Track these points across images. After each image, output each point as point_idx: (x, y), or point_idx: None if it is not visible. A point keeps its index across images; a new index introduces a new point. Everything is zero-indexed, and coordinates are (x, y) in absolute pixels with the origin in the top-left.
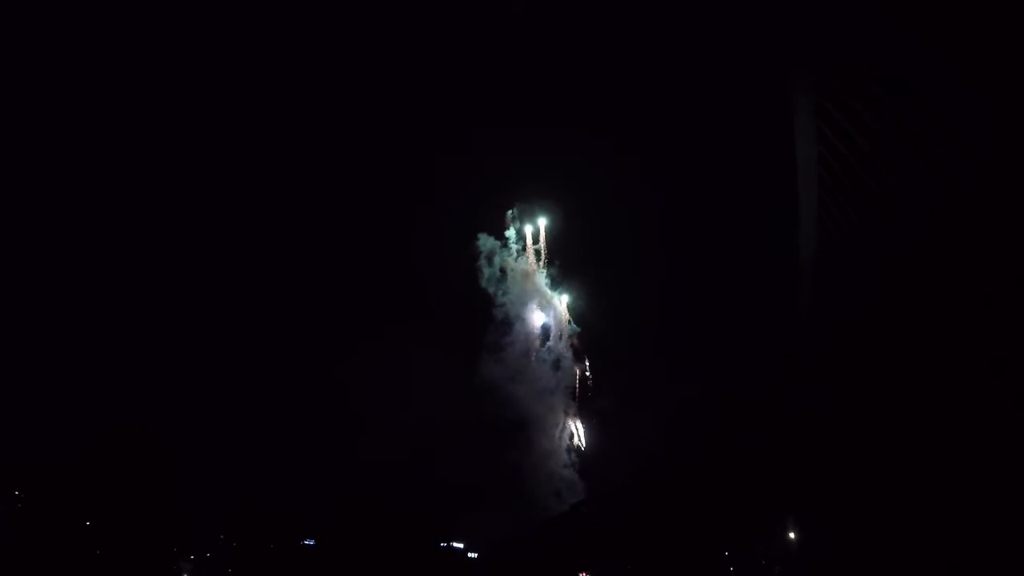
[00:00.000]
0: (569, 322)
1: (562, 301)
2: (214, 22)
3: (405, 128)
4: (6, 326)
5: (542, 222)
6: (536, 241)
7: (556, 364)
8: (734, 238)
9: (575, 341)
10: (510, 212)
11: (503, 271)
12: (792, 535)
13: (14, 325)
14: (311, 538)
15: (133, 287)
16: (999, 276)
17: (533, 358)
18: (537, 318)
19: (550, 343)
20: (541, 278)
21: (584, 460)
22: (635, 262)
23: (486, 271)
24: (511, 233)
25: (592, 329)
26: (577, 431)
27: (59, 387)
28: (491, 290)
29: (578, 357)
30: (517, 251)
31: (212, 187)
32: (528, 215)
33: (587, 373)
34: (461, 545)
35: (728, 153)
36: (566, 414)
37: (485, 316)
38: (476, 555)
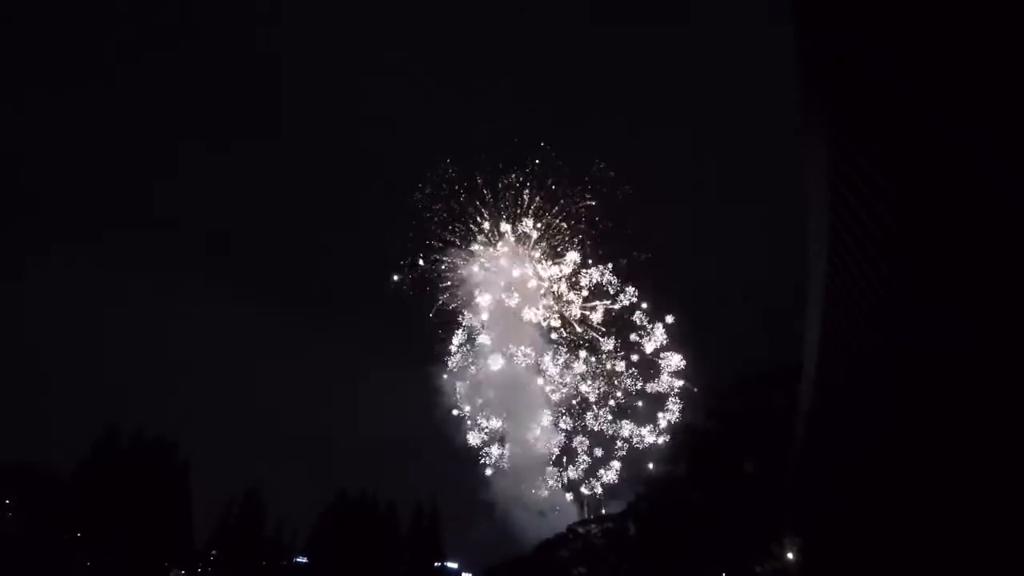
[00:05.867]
0: None
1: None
2: None
3: None
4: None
5: None
6: None
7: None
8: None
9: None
10: None
11: None
12: (791, 556)
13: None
14: (304, 555)
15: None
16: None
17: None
18: None
19: None
20: None
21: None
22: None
23: None
24: None
25: None
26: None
27: (56, 395)
28: None
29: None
30: None
31: None
32: None
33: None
34: (455, 565)
35: None
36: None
37: None
38: (470, 575)
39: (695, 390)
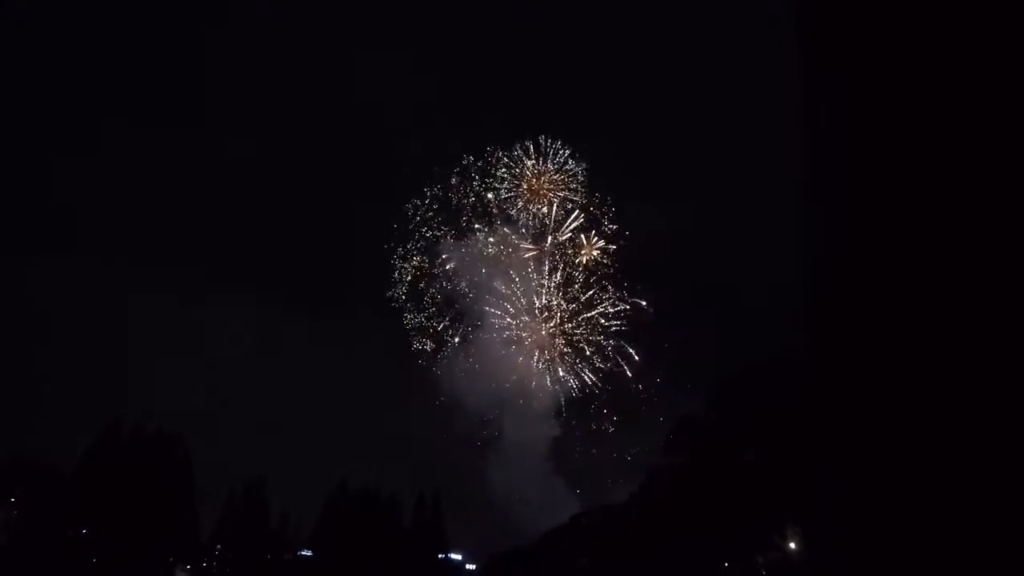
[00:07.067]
0: None
1: None
2: None
3: None
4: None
5: None
6: None
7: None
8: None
9: None
10: None
11: None
12: (793, 545)
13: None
14: (308, 548)
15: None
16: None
17: None
18: None
19: None
20: None
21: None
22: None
23: None
24: None
25: None
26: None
27: (61, 390)
28: None
29: None
30: None
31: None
32: None
33: None
34: (459, 557)
35: None
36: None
37: None
38: (474, 567)
39: (689, 387)
